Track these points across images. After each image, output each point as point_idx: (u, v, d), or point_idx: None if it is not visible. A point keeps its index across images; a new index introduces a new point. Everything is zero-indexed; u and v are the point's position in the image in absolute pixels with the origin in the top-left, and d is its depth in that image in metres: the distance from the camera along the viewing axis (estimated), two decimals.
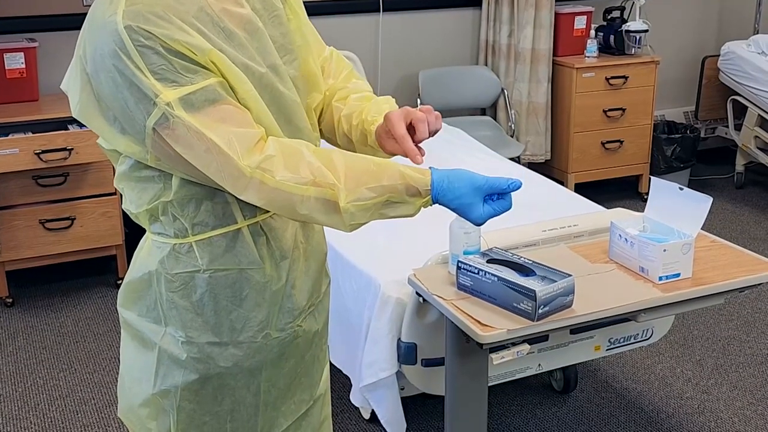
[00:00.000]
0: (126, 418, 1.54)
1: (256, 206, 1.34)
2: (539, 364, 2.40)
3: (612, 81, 4.44)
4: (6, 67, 3.53)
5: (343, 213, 1.31)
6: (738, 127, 4.81)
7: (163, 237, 1.40)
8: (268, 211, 1.40)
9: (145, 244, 1.46)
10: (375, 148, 1.51)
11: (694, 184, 4.76)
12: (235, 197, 1.32)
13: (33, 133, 3.37)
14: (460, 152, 3.49)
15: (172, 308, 1.42)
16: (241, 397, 1.47)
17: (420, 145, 1.45)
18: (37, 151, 3.29)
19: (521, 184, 1.39)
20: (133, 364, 1.50)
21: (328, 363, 1.69)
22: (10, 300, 3.54)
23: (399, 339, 2.30)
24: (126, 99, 1.25)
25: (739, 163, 4.84)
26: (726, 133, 4.99)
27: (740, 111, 4.77)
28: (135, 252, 1.49)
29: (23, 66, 3.56)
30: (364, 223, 1.36)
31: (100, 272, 3.79)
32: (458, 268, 1.91)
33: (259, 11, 1.39)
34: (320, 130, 1.58)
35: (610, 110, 4.49)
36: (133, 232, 3.73)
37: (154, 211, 1.39)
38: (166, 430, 1.49)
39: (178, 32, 1.24)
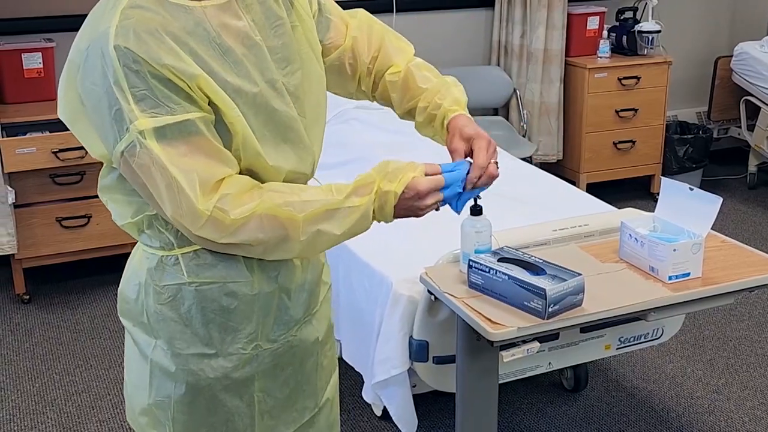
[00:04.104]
0: (131, 422, 1.55)
1: None
2: (550, 363, 2.42)
3: (624, 81, 4.45)
4: (24, 67, 3.58)
5: (291, 226, 1.30)
6: (751, 128, 4.80)
7: (150, 248, 1.41)
8: None
9: (137, 252, 1.46)
10: (441, 136, 1.57)
11: (707, 185, 4.76)
12: None
13: (50, 132, 3.41)
14: None
15: (160, 320, 1.41)
16: (235, 408, 1.46)
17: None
18: (54, 150, 3.33)
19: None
20: (133, 372, 1.52)
21: (337, 368, 1.68)
22: (28, 297, 3.58)
23: (411, 336, 2.33)
24: (104, 115, 1.25)
25: (752, 164, 4.84)
26: (739, 134, 4.98)
27: (753, 111, 4.77)
28: (128, 259, 1.48)
29: (41, 66, 3.60)
30: (325, 245, 1.36)
31: (115, 270, 3.79)
32: (469, 266, 1.94)
33: (260, 23, 1.38)
34: (375, 97, 1.64)
35: (623, 110, 4.49)
36: None
37: (139, 224, 1.40)
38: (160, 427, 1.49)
39: (167, 55, 1.23)
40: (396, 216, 1.39)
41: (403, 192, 1.36)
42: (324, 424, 1.62)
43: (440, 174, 1.41)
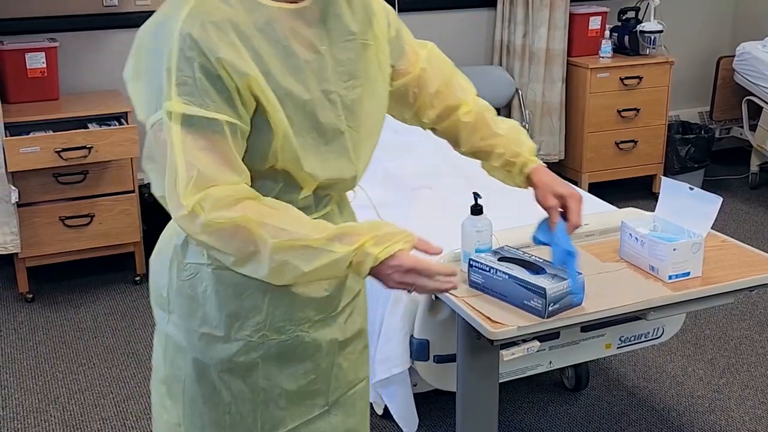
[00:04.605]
0: (153, 389, 1.61)
1: None
2: (550, 362, 2.43)
3: (626, 81, 4.45)
4: (27, 67, 3.58)
5: (260, 243, 1.29)
6: (753, 128, 4.80)
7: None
8: None
9: (169, 228, 1.51)
10: (515, 181, 1.68)
11: (709, 185, 4.76)
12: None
13: (54, 131, 3.42)
14: None
15: (178, 296, 1.46)
16: (239, 391, 1.48)
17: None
18: (58, 150, 3.34)
19: None
20: (156, 342, 1.58)
21: (365, 379, 1.67)
22: (31, 296, 3.59)
23: (411, 336, 2.33)
24: (151, 86, 1.31)
25: (754, 164, 4.84)
26: (741, 134, 4.98)
27: (755, 111, 4.77)
28: (162, 233, 1.54)
29: (44, 65, 3.61)
30: (290, 277, 1.32)
31: (118, 269, 3.84)
32: (470, 265, 1.95)
33: (331, 32, 1.42)
34: (435, 129, 1.70)
35: (625, 110, 4.50)
36: (152, 230, 3.78)
37: None
38: (176, 412, 1.53)
39: (225, 49, 1.28)
40: (371, 275, 1.36)
41: (387, 260, 1.33)
42: (338, 427, 1.61)
43: (433, 252, 1.39)
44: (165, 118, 1.28)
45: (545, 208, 1.67)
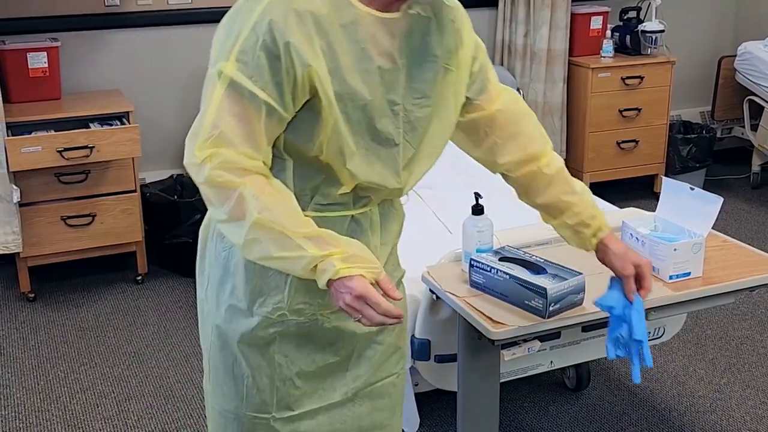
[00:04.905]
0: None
1: (309, 196, 1.44)
2: (551, 362, 2.43)
3: (628, 81, 4.45)
4: (29, 66, 3.59)
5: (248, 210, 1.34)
6: (754, 128, 4.80)
7: None
8: (322, 204, 1.47)
9: None
10: (583, 243, 1.72)
11: (710, 185, 4.76)
12: (293, 183, 1.43)
13: (55, 131, 3.42)
14: None
15: (214, 265, 1.54)
16: (257, 365, 1.53)
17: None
18: (60, 149, 3.34)
19: None
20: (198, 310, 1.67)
21: (404, 377, 1.71)
22: (33, 295, 3.60)
23: (413, 335, 2.34)
24: (220, 42, 1.37)
25: (755, 164, 4.84)
26: (742, 134, 4.98)
27: (756, 111, 4.77)
28: None
29: (46, 65, 3.62)
30: (258, 254, 1.37)
31: (120, 268, 3.85)
32: (471, 265, 1.95)
33: (414, 49, 1.45)
34: (509, 174, 1.70)
35: (626, 110, 4.50)
36: (153, 229, 3.78)
37: None
38: (205, 377, 1.65)
39: (298, 36, 1.32)
40: (327, 288, 1.38)
41: (344, 278, 1.35)
42: (364, 420, 1.63)
43: (391, 297, 1.38)
44: (215, 75, 1.35)
45: (622, 276, 1.68)
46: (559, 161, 1.71)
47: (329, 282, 1.36)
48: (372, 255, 1.41)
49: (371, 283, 1.36)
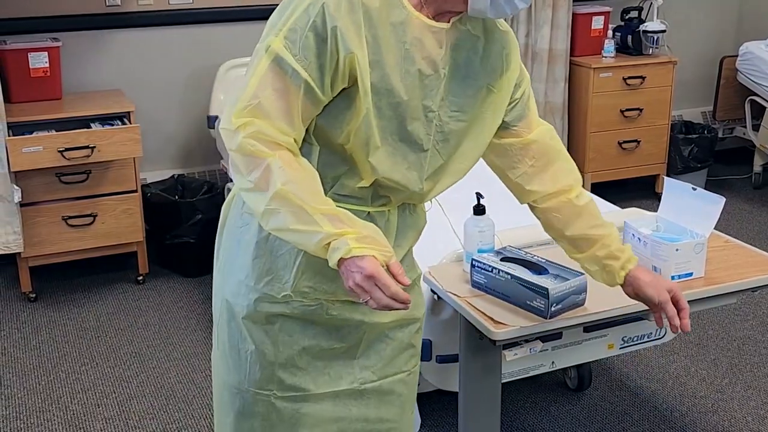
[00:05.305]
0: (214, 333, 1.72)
1: (330, 185, 1.47)
2: (553, 362, 2.42)
3: (629, 81, 4.45)
4: (30, 66, 3.59)
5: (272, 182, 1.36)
6: (756, 128, 4.80)
7: None
8: (341, 195, 1.48)
9: None
10: (611, 275, 1.70)
11: (712, 185, 4.76)
12: (317, 168, 1.44)
13: (56, 131, 3.42)
14: None
15: (229, 238, 1.60)
16: (261, 341, 1.55)
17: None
18: (61, 149, 3.34)
19: None
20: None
21: (416, 377, 1.72)
22: (34, 295, 3.60)
23: None
24: (274, 21, 1.40)
25: (757, 164, 4.83)
26: (744, 134, 4.98)
27: (758, 111, 4.77)
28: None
29: (47, 65, 3.61)
30: (275, 225, 1.39)
31: (121, 268, 3.85)
32: (472, 265, 1.95)
33: (458, 63, 1.47)
34: (537, 204, 1.70)
35: (628, 110, 4.50)
36: (154, 229, 3.78)
37: None
38: (213, 350, 1.68)
39: (346, 23, 1.35)
40: (338, 267, 1.39)
41: (356, 257, 1.36)
42: (372, 412, 1.64)
43: (400, 281, 1.39)
44: (263, 49, 1.38)
45: (660, 302, 1.67)
46: (588, 196, 1.73)
47: (340, 261, 1.36)
48: (386, 240, 1.42)
49: (382, 266, 1.37)
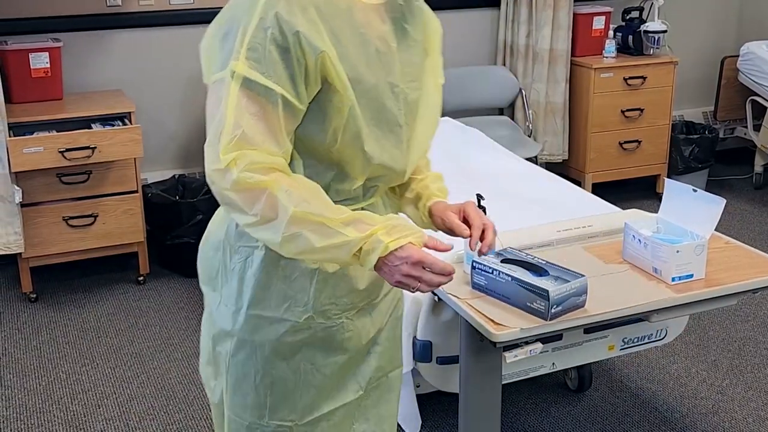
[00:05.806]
0: (201, 372, 1.66)
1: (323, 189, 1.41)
2: (553, 363, 2.42)
3: (630, 81, 4.45)
4: (31, 67, 3.59)
5: (281, 206, 1.32)
6: (757, 128, 4.80)
7: None
8: (334, 201, 1.44)
9: (219, 212, 1.56)
10: (418, 214, 1.64)
11: (713, 185, 4.76)
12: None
13: (57, 131, 3.42)
14: (477, 152, 3.51)
15: (230, 277, 1.51)
16: (282, 374, 1.52)
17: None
18: (61, 150, 3.34)
19: None
20: (203, 325, 1.63)
21: (400, 366, 1.72)
22: (34, 295, 3.60)
23: (414, 337, 2.33)
24: (224, 45, 1.36)
25: (758, 164, 4.83)
26: (745, 134, 4.98)
27: (759, 111, 4.76)
28: (212, 217, 1.59)
29: (48, 65, 3.61)
30: (298, 249, 1.35)
31: (122, 269, 3.85)
32: (473, 267, 1.94)
33: (399, 34, 1.48)
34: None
35: (628, 110, 4.49)
36: (154, 230, 3.78)
37: None
38: (220, 392, 1.59)
39: (305, 25, 1.33)
40: (376, 268, 1.38)
41: (396, 250, 1.35)
42: (372, 411, 1.65)
43: (442, 249, 1.40)
44: (228, 76, 1.33)
45: (452, 228, 1.60)
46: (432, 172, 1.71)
47: (379, 261, 1.35)
48: (409, 221, 1.41)
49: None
